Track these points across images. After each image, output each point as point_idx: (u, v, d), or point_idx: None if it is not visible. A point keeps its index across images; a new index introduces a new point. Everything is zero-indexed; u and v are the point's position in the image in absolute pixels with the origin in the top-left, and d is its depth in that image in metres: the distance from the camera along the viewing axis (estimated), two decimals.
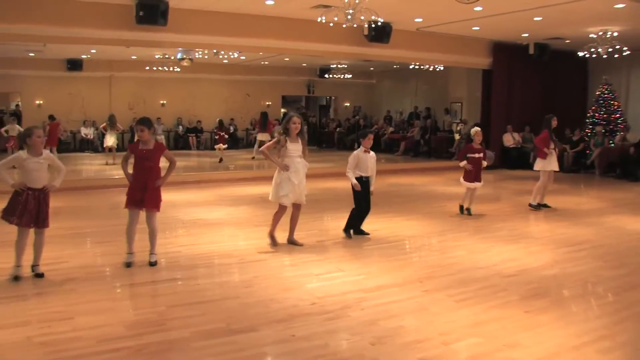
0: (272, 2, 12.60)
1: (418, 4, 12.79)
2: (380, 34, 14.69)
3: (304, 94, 29.79)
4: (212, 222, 9.42)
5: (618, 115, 17.53)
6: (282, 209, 7.54)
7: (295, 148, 7.46)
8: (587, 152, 17.14)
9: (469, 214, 10.05)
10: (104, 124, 18.31)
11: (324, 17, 11.36)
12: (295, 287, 5.94)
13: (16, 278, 5.99)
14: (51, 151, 16.85)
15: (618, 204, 11.76)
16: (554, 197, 11.59)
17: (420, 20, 14.76)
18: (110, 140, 17.92)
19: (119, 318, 5.02)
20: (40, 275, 6.11)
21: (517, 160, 18.31)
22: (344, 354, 4.37)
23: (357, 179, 8.00)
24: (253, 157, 19.63)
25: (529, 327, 4.89)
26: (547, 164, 10.76)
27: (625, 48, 14.72)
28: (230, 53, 18.77)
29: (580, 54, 15.76)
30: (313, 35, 14.60)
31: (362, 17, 11.11)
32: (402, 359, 4.28)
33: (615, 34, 14.71)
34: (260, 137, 19.42)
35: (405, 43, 16.02)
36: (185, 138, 24.48)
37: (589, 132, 17.55)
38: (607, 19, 13.57)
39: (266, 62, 24.09)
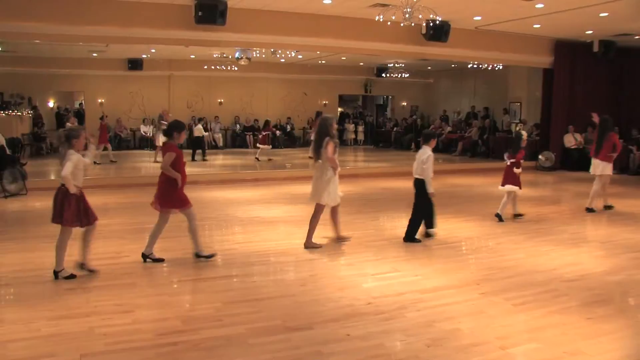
0: (330, 1, 12.63)
1: (477, 2, 12.59)
2: (439, 32, 14.53)
3: (361, 93, 29.72)
4: (269, 220, 9.51)
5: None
6: (320, 208, 7.56)
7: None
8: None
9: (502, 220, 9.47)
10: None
11: (381, 16, 11.30)
12: (350, 286, 5.94)
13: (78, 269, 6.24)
14: (105, 149, 17.55)
15: None
16: (620, 201, 11.26)
17: (479, 18, 14.52)
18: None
19: (177, 312, 5.13)
20: (73, 276, 6.12)
21: (579, 162, 17.79)
22: (399, 355, 4.34)
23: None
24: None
25: (591, 335, 4.74)
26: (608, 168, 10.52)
27: None
28: (288, 52, 18.90)
29: None
30: (370, 34, 14.56)
31: (420, 16, 11.02)
32: None
33: None
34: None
35: (463, 42, 15.80)
36: (243, 136, 24.79)
37: None
38: None
39: (323, 61, 24.13)
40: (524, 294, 5.74)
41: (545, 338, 4.63)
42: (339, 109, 29.49)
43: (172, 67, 23.65)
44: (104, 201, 10.92)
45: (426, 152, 7.79)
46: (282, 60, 22.62)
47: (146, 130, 23.24)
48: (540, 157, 18.21)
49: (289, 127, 25.80)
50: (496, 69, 20.56)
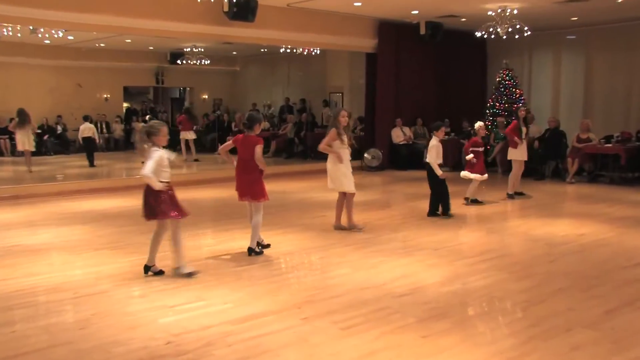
0: None
1: None
2: (244, 10, 14.66)
3: (152, 85, 29.30)
4: (35, 248, 8.97)
5: (520, 104, 18.31)
6: (350, 196, 9.79)
7: (346, 140, 9.64)
8: (488, 147, 17.87)
9: (479, 202, 12.39)
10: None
11: None
12: (144, 323, 5.78)
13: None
14: None
15: (522, 206, 12.49)
16: (454, 200, 12.14)
17: None
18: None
19: None
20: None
21: (409, 159, 18.85)
22: None
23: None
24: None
25: (429, 354, 5.03)
26: (520, 154, 13.14)
27: (526, 28, 15.52)
28: (53, 31, 18.01)
29: (478, 34, 16.38)
30: (161, 12, 14.38)
31: None
32: None
33: (515, 11, 15.40)
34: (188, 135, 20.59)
35: (274, 22, 16.13)
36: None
37: (489, 125, 18.37)
38: None
39: (102, 44, 23.42)
40: (352, 315, 5.95)
41: None
42: (125, 105, 28.80)
43: None
44: None
45: (433, 142, 10.86)
46: (47, 41, 21.52)
47: None
48: (365, 155, 19.03)
49: (59, 128, 24.58)
50: (313, 53, 21.21)
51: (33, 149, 18.06)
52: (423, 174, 11.41)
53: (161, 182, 6.98)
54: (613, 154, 15.88)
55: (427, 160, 10.96)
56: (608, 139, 16.49)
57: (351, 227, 9.85)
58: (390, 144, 19.37)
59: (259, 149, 8.11)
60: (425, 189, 11.37)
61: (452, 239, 9.52)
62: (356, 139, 20.36)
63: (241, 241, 8.88)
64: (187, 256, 7.67)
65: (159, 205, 7.06)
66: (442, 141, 11.07)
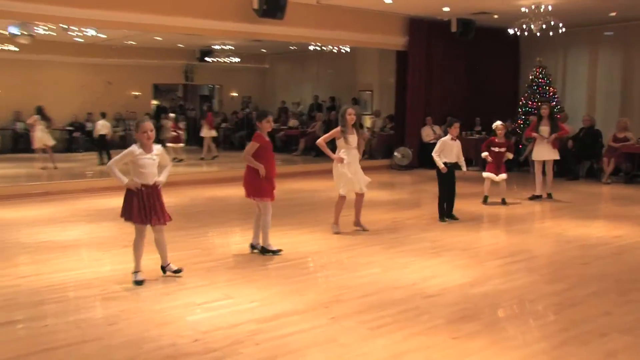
0: None
1: None
2: (273, 7, 14.72)
3: (181, 82, 29.46)
4: (65, 244, 9.09)
5: (554, 103, 18.13)
6: (341, 199, 9.62)
7: (353, 140, 9.39)
8: (520, 146, 17.77)
9: (504, 203, 12.29)
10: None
11: None
12: (172, 320, 5.83)
13: (139, 283, 6.94)
14: None
15: (556, 206, 12.38)
16: (477, 201, 12.15)
17: None
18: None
19: None
20: (178, 271, 7.26)
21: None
22: None
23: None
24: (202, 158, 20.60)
25: (459, 356, 5.02)
26: (536, 153, 13.10)
27: (560, 25, 15.29)
28: (84, 29, 18.21)
29: (511, 31, 16.28)
30: (191, 9, 14.47)
31: None
32: None
33: (550, 7, 15.29)
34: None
35: (303, 19, 16.17)
36: (27, 137, 23.44)
37: (522, 124, 18.26)
38: None
39: (132, 42, 23.61)
40: (381, 315, 5.96)
41: None
42: (154, 102, 29.02)
43: None
44: None
45: (443, 138, 10.69)
46: (78, 39, 21.78)
47: None
48: (395, 154, 19.04)
49: (89, 125, 24.85)
50: (342, 51, 21.24)
51: (53, 143, 18.43)
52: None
53: (138, 182, 6.88)
54: None
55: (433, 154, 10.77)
56: None
57: (333, 227, 9.78)
58: (420, 143, 19.31)
59: (248, 146, 8.11)
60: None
61: (482, 239, 9.49)
62: (385, 137, 20.56)
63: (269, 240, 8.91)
64: (215, 254, 7.73)
65: (131, 207, 6.88)
66: (472, 139, 10.91)
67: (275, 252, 8.28)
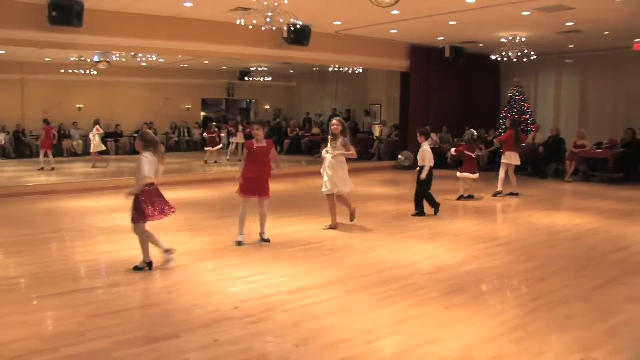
0: (191, 4, 12.42)
1: (337, 7, 12.89)
2: (300, 36, 14.75)
3: (224, 97, 29.51)
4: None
5: (528, 115, 18.48)
6: (326, 197, 9.10)
7: (333, 146, 8.97)
8: (501, 151, 17.58)
9: (473, 198, 12.06)
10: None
11: (242, 20, 11.29)
12: (217, 291, 5.88)
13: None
14: (46, 155, 17.05)
15: (529, 200, 12.29)
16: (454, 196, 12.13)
17: (339, 23, 14.91)
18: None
19: (34, 331, 4.81)
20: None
21: (435, 160, 18.68)
22: (268, 356, 4.36)
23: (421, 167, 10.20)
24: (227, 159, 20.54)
25: (449, 322, 5.04)
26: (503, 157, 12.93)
27: (532, 52, 15.50)
28: (149, 55, 18.36)
29: (493, 57, 16.39)
30: (232, 38, 14.49)
31: (281, 20, 11.09)
32: (325, 359, 4.32)
33: (524, 39, 15.50)
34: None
35: (324, 45, 16.15)
36: (104, 142, 23.71)
37: (502, 132, 18.14)
38: (515, 24, 14.18)
39: (185, 65, 23.72)
40: (386, 289, 5.97)
41: (408, 329, 4.85)
42: (202, 113, 29.11)
43: (24, 70, 22.17)
44: None
45: (425, 147, 10.40)
46: (143, 64, 21.96)
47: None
48: (399, 156, 18.99)
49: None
50: (356, 72, 21.22)
51: (103, 148, 18.72)
52: (447, 172, 11.38)
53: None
54: (602, 158, 15.78)
55: (422, 164, 10.29)
56: (599, 145, 16.32)
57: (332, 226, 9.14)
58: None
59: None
60: (446, 184, 11.29)
61: (469, 227, 9.45)
62: (391, 143, 20.52)
63: (295, 226, 8.99)
64: (251, 238, 7.74)
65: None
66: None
67: (267, 240, 8.07)
